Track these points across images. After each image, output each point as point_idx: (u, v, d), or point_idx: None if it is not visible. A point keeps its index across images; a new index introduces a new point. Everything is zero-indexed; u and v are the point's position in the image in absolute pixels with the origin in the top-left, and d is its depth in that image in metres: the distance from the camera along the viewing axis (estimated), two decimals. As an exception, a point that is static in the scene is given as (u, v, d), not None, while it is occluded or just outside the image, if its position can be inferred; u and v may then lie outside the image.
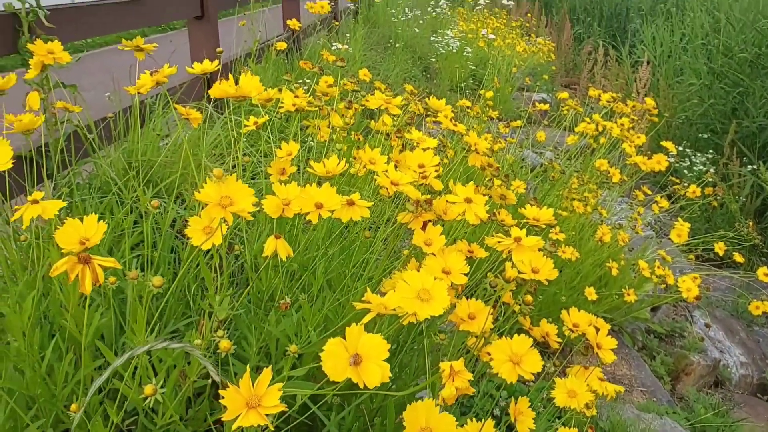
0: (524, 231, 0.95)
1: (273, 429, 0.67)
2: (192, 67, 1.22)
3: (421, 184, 1.10)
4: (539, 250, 0.99)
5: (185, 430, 1.06)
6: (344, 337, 0.71)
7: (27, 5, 1.71)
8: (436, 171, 1.06)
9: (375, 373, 0.68)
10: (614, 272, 2.41)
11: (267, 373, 0.67)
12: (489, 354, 1.06)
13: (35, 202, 0.88)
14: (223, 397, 0.66)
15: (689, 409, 2.57)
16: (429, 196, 1.03)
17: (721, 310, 3.50)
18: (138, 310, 0.97)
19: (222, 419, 0.67)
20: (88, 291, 0.67)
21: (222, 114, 2.38)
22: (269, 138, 1.64)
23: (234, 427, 0.66)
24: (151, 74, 1.01)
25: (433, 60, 6.27)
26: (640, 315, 3.04)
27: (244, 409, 0.67)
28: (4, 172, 1.40)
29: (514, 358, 0.85)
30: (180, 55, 2.31)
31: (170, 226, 1.63)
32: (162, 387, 0.75)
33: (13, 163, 0.94)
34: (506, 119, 4.71)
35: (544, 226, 1.07)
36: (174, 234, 1.70)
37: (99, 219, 0.79)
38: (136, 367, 1.04)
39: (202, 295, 1.38)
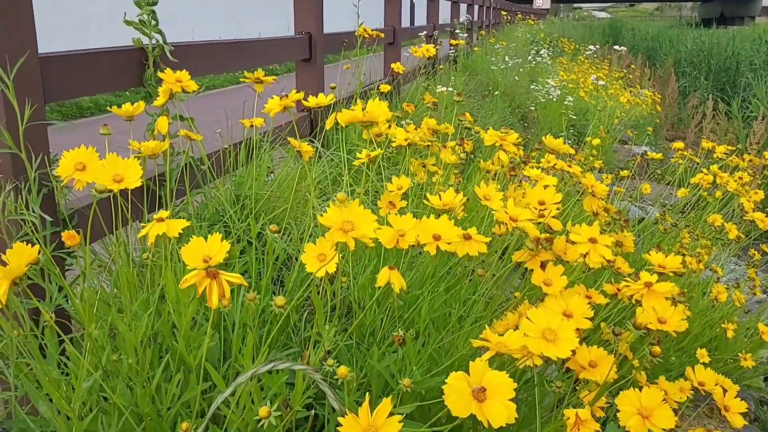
0: (655, 276, 0.89)
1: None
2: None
3: (539, 223, 1.06)
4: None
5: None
6: (454, 378, 0.67)
7: (154, 41, 1.81)
8: (557, 209, 1.02)
9: (500, 412, 0.63)
10: (730, 334, 2.23)
11: (386, 403, 0.64)
12: (602, 409, 0.98)
13: (161, 220, 0.91)
14: (341, 425, 0.63)
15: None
16: (548, 235, 0.98)
17: None
18: (249, 335, 0.97)
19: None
20: (215, 305, 0.67)
21: (327, 151, 2.42)
22: (376, 174, 1.65)
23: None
24: (280, 98, 1.03)
25: (532, 108, 6.21)
26: (753, 383, 2.79)
27: (362, 440, 0.64)
28: (126, 197, 1.47)
29: (643, 411, 0.78)
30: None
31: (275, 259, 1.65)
32: (276, 410, 0.74)
33: (141, 182, 0.97)
34: (607, 171, 4.56)
35: (671, 275, 1.00)
36: (278, 266, 1.72)
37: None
38: (240, 393, 1.03)
39: (305, 326, 1.38)
